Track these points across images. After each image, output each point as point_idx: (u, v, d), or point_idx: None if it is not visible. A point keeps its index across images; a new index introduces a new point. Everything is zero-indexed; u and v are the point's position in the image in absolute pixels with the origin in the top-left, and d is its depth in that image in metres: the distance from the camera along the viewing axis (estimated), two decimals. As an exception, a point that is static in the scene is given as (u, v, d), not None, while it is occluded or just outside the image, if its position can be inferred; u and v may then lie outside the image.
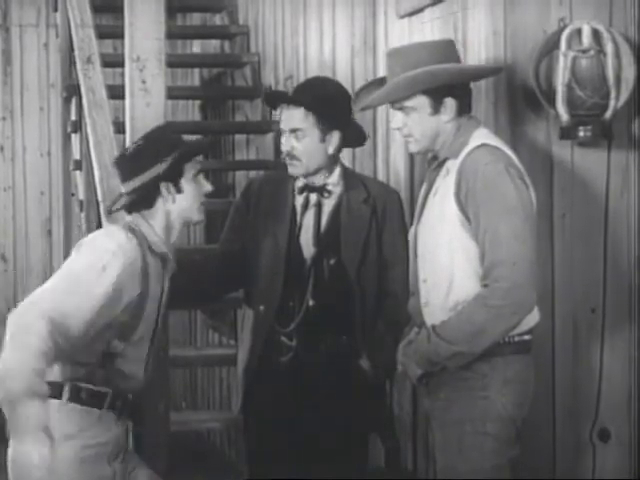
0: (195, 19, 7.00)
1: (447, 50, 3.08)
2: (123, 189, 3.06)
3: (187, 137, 3.34)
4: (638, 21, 2.97)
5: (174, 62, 5.92)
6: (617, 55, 2.96)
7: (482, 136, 3.00)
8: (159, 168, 2.99)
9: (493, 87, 3.42)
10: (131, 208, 3.05)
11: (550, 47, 3.09)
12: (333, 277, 3.46)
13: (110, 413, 2.97)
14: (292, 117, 3.44)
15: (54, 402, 2.87)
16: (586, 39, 2.99)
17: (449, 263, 2.95)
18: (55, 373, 2.89)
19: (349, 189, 3.52)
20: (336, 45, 4.67)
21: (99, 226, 4.02)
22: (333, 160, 3.51)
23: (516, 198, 2.87)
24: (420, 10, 3.89)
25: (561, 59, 3.02)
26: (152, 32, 3.77)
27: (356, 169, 4.03)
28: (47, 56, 7.73)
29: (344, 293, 3.46)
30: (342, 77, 4.25)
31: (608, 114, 2.98)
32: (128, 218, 3.05)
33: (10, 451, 2.85)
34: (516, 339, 2.94)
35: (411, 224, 3.25)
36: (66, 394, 2.90)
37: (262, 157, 5.66)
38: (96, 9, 5.12)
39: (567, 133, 3.05)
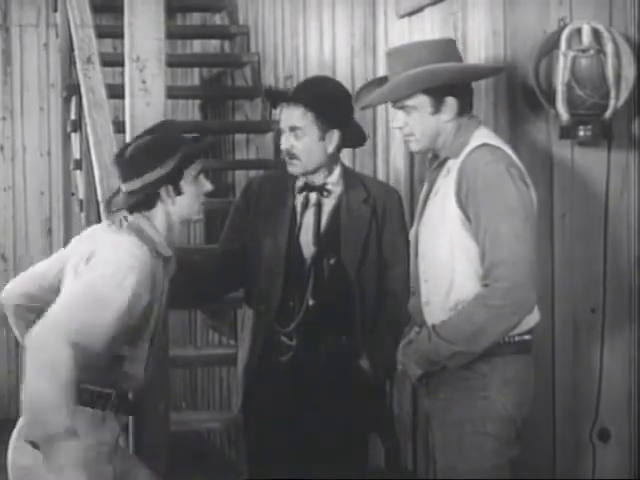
0: (195, 19, 7.00)
1: (448, 49, 3.08)
2: (123, 188, 3.05)
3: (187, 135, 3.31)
4: (638, 21, 2.97)
5: (174, 62, 5.92)
6: (617, 55, 2.96)
7: (483, 136, 3.00)
8: (159, 172, 2.98)
9: (493, 87, 3.42)
10: (131, 208, 3.04)
11: (550, 47, 3.08)
12: (333, 277, 3.46)
13: (111, 413, 2.98)
14: (292, 115, 3.44)
15: None
16: (586, 39, 2.98)
17: (449, 263, 2.95)
18: None
19: (349, 189, 3.52)
20: (336, 45, 4.67)
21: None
22: (333, 159, 3.51)
23: (517, 198, 2.87)
24: (420, 10, 3.89)
25: (561, 59, 3.01)
26: (152, 32, 3.77)
27: (356, 169, 4.03)
28: (47, 56, 7.73)
29: (344, 293, 3.46)
30: (342, 77, 4.25)
31: (608, 114, 2.98)
32: (130, 218, 3.04)
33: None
34: (516, 339, 2.94)
35: (411, 224, 3.25)
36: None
37: (262, 157, 5.66)
38: (96, 9, 5.12)
39: (567, 133, 3.04)
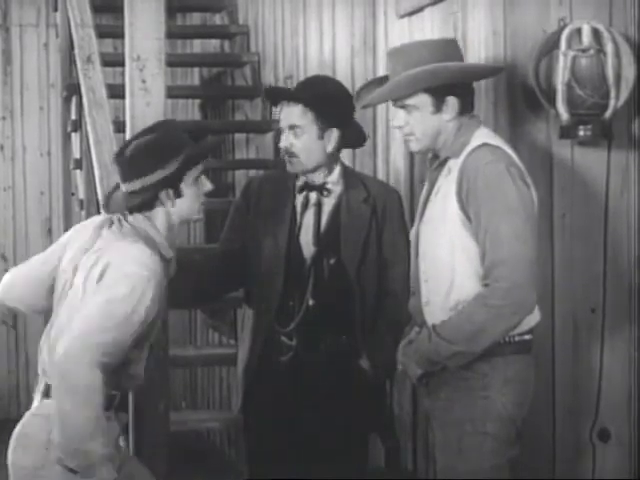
0: (195, 19, 7.00)
1: (449, 49, 3.08)
2: (123, 188, 3.05)
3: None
4: (638, 21, 2.96)
5: (174, 62, 5.92)
6: (617, 54, 2.96)
7: (483, 135, 3.00)
8: (160, 174, 2.95)
9: (493, 87, 3.42)
10: (131, 210, 3.03)
11: (550, 47, 3.08)
12: (333, 277, 3.46)
13: (112, 413, 2.98)
14: (291, 114, 3.45)
15: None
16: (586, 38, 2.98)
17: (450, 262, 2.95)
18: None
19: (349, 188, 3.52)
20: (336, 45, 4.67)
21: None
22: (333, 159, 3.51)
23: (517, 198, 2.87)
24: (420, 10, 3.89)
25: (561, 58, 3.01)
26: (152, 32, 3.77)
27: (356, 168, 4.02)
28: (47, 56, 7.73)
29: (344, 293, 3.46)
30: (342, 77, 4.25)
31: (608, 113, 2.98)
32: (130, 219, 3.02)
33: None
34: (516, 339, 2.94)
35: (412, 224, 3.24)
36: None
37: (262, 156, 5.66)
38: (96, 9, 5.12)
39: (567, 132, 3.04)
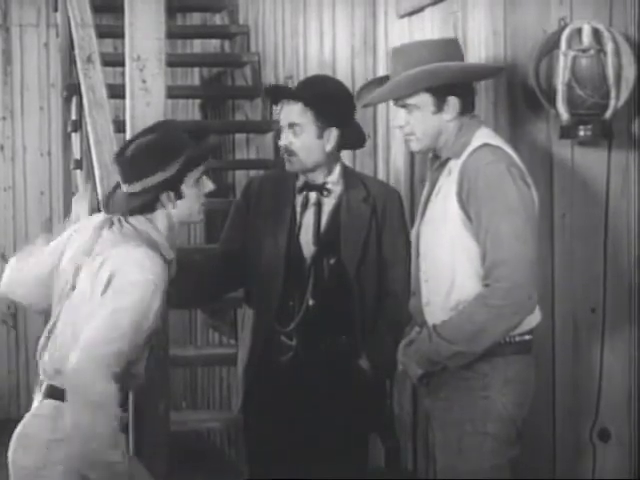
0: (195, 19, 7.00)
1: (450, 48, 3.08)
2: (124, 189, 3.04)
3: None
4: (638, 20, 2.96)
5: (174, 61, 5.92)
6: (617, 54, 2.96)
7: (484, 136, 3.00)
8: (160, 176, 2.94)
9: (493, 87, 3.42)
10: (132, 211, 3.02)
11: (550, 47, 3.08)
12: (333, 276, 3.46)
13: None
14: (291, 112, 3.45)
15: None
16: (586, 38, 2.98)
17: (450, 262, 2.95)
18: None
19: (349, 188, 3.52)
20: (336, 45, 4.67)
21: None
22: (332, 158, 3.51)
23: (517, 198, 2.87)
24: (420, 10, 3.89)
25: (561, 58, 3.01)
26: (152, 32, 3.77)
27: (356, 168, 4.02)
28: (47, 56, 7.73)
29: (344, 292, 3.46)
30: (342, 77, 4.25)
31: (608, 113, 2.97)
32: (133, 221, 3.02)
33: None
34: (517, 339, 2.94)
35: (412, 224, 3.24)
36: None
37: (262, 156, 5.66)
38: (96, 9, 5.12)
39: (567, 132, 3.04)
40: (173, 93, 5.71)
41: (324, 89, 3.50)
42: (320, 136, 3.45)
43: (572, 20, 3.08)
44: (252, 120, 5.85)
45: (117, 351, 2.80)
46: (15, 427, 3.02)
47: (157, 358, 3.56)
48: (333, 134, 3.47)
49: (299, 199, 3.53)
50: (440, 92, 3.00)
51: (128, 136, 3.72)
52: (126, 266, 2.87)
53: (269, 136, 5.51)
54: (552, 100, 3.06)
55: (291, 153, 3.46)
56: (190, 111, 6.97)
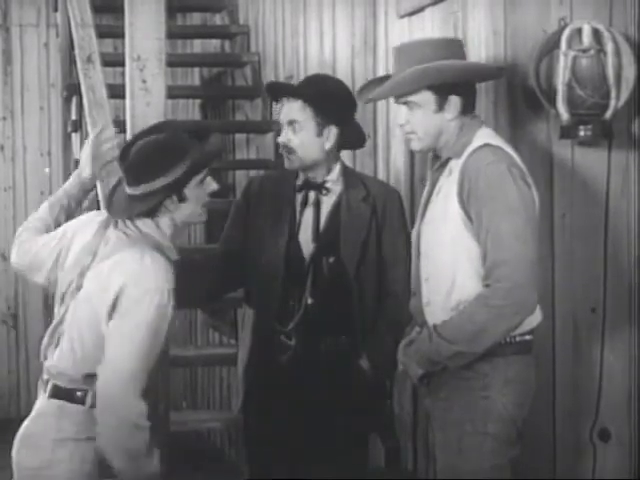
0: (195, 19, 7.00)
1: (454, 48, 3.09)
2: (127, 190, 3.00)
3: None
4: (638, 20, 2.96)
5: (174, 62, 5.92)
6: (617, 54, 2.96)
7: (485, 136, 3.00)
8: (163, 180, 2.91)
9: (493, 87, 3.42)
10: (137, 216, 2.99)
11: (550, 47, 3.08)
12: (332, 275, 3.46)
13: None
14: (291, 109, 3.46)
15: (79, 408, 2.92)
16: (586, 38, 2.98)
17: (451, 263, 2.95)
18: (82, 383, 2.93)
19: (349, 187, 3.52)
20: (336, 45, 4.67)
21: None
22: (332, 157, 3.52)
23: (518, 198, 2.87)
24: (420, 10, 3.89)
25: (561, 58, 3.01)
26: (152, 32, 3.77)
27: (356, 168, 4.02)
28: (47, 56, 7.73)
29: (343, 292, 3.46)
30: (342, 77, 4.24)
31: (608, 113, 2.97)
32: (139, 223, 3.01)
33: None
34: (517, 339, 2.93)
35: (412, 224, 3.24)
36: (89, 401, 2.93)
37: (262, 156, 5.66)
38: (96, 9, 5.11)
39: (567, 132, 3.04)
40: (173, 93, 5.71)
41: (324, 87, 3.51)
42: (319, 134, 3.46)
43: (572, 20, 3.08)
44: (252, 120, 5.85)
45: (142, 366, 2.83)
46: (15, 427, 3.02)
47: (157, 358, 3.55)
48: (332, 132, 3.47)
49: (299, 198, 3.53)
50: (442, 91, 3.00)
51: (128, 136, 3.72)
52: (138, 275, 2.87)
53: (269, 136, 5.51)
54: (552, 100, 3.06)
55: (290, 150, 3.46)
56: (190, 111, 6.97)
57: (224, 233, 3.68)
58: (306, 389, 3.46)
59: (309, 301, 3.46)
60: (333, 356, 3.47)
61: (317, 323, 3.46)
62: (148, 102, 3.75)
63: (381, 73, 4.07)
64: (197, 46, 6.86)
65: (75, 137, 5.38)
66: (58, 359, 2.96)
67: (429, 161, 3.16)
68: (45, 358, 3.02)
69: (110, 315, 2.86)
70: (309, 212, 3.51)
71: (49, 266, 3.12)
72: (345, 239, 3.47)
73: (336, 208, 3.51)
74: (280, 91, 3.63)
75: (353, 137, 3.57)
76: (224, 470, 5.77)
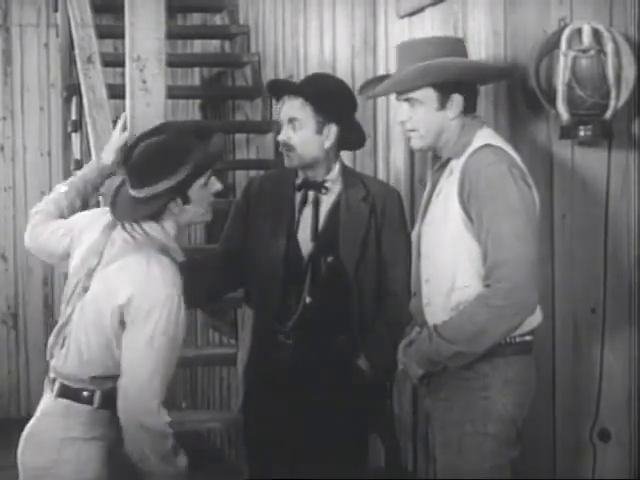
0: (195, 19, 7.00)
1: (456, 47, 3.10)
2: (131, 192, 2.99)
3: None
4: (638, 21, 2.96)
5: (174, 62, 5.92)
6: (617, 55, 2.96)
7: (485, 136, 3.00)
8: (167, 184, 2.91)
9: (493, 87, 3.42)
10: (141, 219, 2.99)
11: (550, 47, 3.08)
12: (331, 274, 3.46)
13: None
14: (291, 107, 3.47)
15: (87, 408, 2.94)
16: (586, 39, 2.98)
17: (451, 263, 2.95)
18: (89, 384, 2.94)
19: (348, 187, 3.52)
20: (336, 45, 4.67)
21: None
22: (332, 156, 3.52)
23: (519, 199, 2.87)
24: (420, 10, 3.89)
25: (561, 59, 3.01)
26: (152, 32, 3.77)
27: (356, 168, 4.02)
28: (47, 56, 7.73)
29: (342, 291, 3.46)
30: (342, 77, 4.24)
31: (608, 114, 2.97)
32: (144, 226, 2.99)
33: None
34: (517, 340, 2.93)
35: (412, 224, 3.24)
36: (97, 401, 2.95)
37: (262, 157, 5.66)
38: (96, 9, 5.12)
39: (567, 133, 3.04)
40: (173, 93, 5.71)
41: (325, 85, 3.52)
42: (319, 132, 3.46)
43: (572, 20, 3.08)
44: (252, 120, 5.85)
45: (164, 376, 2.86)
46: (15, 427, 3.03)
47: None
48: (332, 130, 3.47)
49: (298, 197, 3.53)
50: (445, 89, 3.00)
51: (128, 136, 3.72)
52: (146, 285, 2.88)
53: (269, 136, 5.51)
54: (552, 100, 3.06)
55: (290, 148, 3.46)
56: (190, 111, 6.97)
57: (224, 233, 3.68)
58: (305, 389, 3.46)
59: (307, 300, 3.46)
60: (331, 356, 3.47)
61: (315, 322, 3.46)
62: (148, 102, 3.75)
63: (381, 73, 4.07)
64: (197, 46, 6.86)
65: (75, 137, 5.37)
66: (64, 360, 2.97)
67: (429, 161, 3.16)
68: (51, 357, 3.03)
69: (121, 324, 2.88)
70: (308, 211, 3.51)
71: (57, 257, 3.16)
72: (344, 238, 3.47)
73: (335, 207, 3.51)
74: (281, 89, 3.63)
75: (353, 136, 3.57)
76: (224, 470, 5.76)
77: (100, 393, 2.93)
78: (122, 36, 3.85)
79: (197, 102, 6.82)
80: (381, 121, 4.25)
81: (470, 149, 2.97)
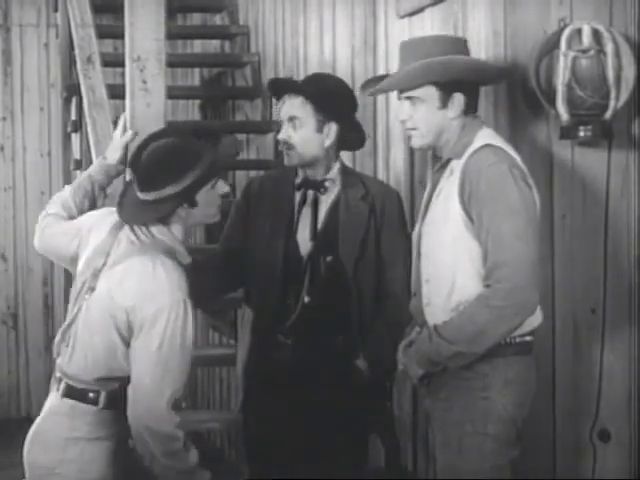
0: (195, 19, 7.01)
1: (459, 46, 3.09)
2: (138, 195, 2.98)
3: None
4: (638, 21, 2.96)
5: (174, 62, 5.92)
6: (617, 55, 2.96)
7: (486, 136, 3.00)
8: (174, 188, 2.91)
9: (493, 87, 3.42)
10: (149, 223, 2.99)
11: (550, 47, 3.08)
12: (330, 274, 3.46)
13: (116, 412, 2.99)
14: (291, 105, 3.47)
15: (92, 408, 2.95)
16: (586, 39, 2.98)
17: (452, 263, 2.95)
18: (94, 385, 2.95)
19: (347, 186, 3.52)
20: (336, 45, 4.67)
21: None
22: (331, 156, 3.52)
23: (519, 199, 2.87)
24: (420, 10, 3.89)
25: (561, 59, 3.01)
26: (152, 32, 3.77)
27: (356, 169, 4.02)
28: (47, 56, 7.73)
29: (341, 290, 3.46)
30: (342, 76, 4.23)
31: (608, 114, 2.97)
32: (152, 229, 2.98)
33: None
34: (517, 340, 2.93)
35: (411, 224, 3.24)
36: (102, 402, 2.96)
37: (262, 157, 5.66)
38: (96, 9, 5.12)
39: (567, 133, 3.04)
40: (173, 93, 5.72)
41: (325, 84, 3.53)
42: (319, 130, 3.46)
43: (572, 20, 3.08)
44: (252, 120, 5.85)
45: (175, 385, 2.90)
46: (15, 427, 3.03)
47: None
48: (332, 129, 3.47)
49: (297, 197, 3.53)
50: (447, 87, 3.00)
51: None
52: (152, 291, 2.89)
53: (269, 136, 5.51)
54: (552, 100, 3.06)
55: (290, 147, 3.47)
56: (190, 111, 6.98)
57: (224, 233, 3.69)
58: (304, 388, 3.46)
59: (306, 300, 3.46)
60: (330, 356, 3.47)
61: (314, 322, 3.45)
62: (148, 103, 3.76)
63: (381, 73, 4.07)
64: (197, 46, 6.86)
65: (75, 137, 5.37)
66: (70, 360, 2.98)
67: (429, 162, 3.16)
68: (58, 355, 3.03)
69: (126, 326, 2.89)
70: (307, 211, 3.51)
71: (68, 259, 3.15)
72: (343, 238, 3.47)
73: (335, 207, 3.51)
74: (282, 87, 3.63)
75: (353, 136, 3.57)
76: (224, 470, 5.76)
77: (105, 394, 2.93)
78: (122, 36, 3.85)
79: (197, 102, 6.82)
80: (381, 121, 4.25)
81: (470, 149, 2.97)
